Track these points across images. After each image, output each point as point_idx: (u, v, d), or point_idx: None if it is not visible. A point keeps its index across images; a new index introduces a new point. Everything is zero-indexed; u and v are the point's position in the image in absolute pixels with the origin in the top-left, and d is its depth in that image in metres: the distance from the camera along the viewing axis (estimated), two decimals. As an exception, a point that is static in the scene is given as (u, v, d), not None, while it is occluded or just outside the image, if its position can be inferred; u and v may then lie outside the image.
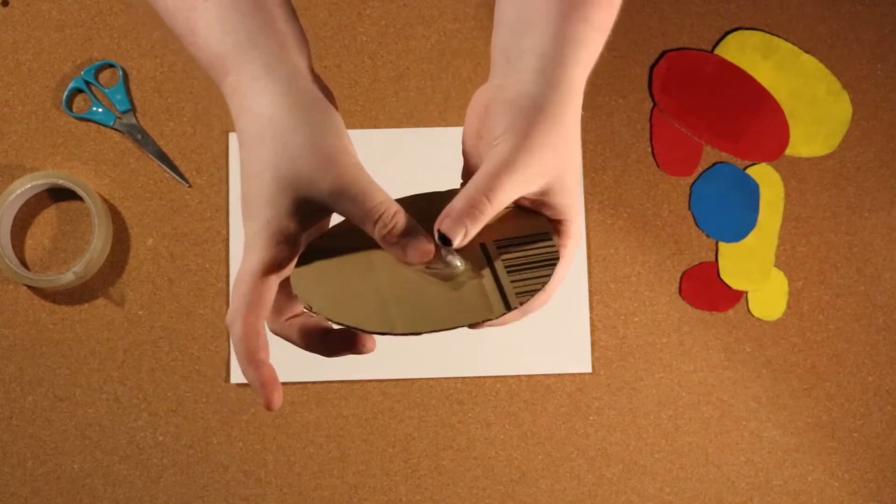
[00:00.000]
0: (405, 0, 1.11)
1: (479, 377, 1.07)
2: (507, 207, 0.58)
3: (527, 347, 1.06)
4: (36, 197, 1.08)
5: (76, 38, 1.09)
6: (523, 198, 0.57)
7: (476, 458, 1.06)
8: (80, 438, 1.05)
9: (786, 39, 1.11)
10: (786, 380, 1.08)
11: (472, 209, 0.54)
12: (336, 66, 1.10)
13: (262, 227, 0.54)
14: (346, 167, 0.54)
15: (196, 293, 1.07)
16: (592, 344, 1.07)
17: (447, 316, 0.53)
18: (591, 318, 1.07)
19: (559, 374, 1.07)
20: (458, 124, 1.09)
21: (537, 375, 1.07)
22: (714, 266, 1.09)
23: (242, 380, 1.05)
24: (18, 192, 1.04)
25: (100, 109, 1.08)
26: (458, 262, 0.55)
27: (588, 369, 1.07)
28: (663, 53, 1.11)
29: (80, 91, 1.09)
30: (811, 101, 1.11)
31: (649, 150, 1.10)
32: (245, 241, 0.56)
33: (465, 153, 0.60)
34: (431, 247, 0.54)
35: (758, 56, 1.11)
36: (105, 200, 1.07)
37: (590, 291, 1.08)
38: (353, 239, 0.56)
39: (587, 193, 1.09)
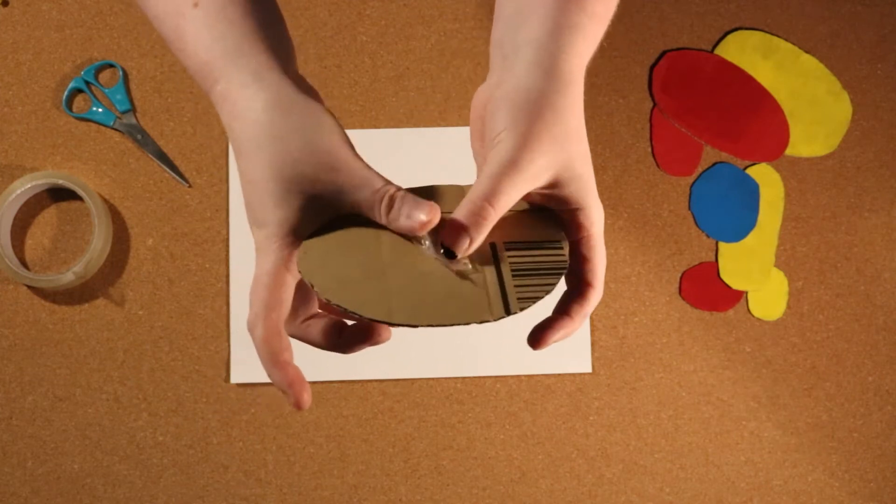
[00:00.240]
0: (405, 0, 1.11)
1: (479, 377, 1.06)
2: (517, 206, 0.57)
3: (527, 347, 1.06)
4: (36, 197, 1.08)
5: (76, 38, 1.09)
6: (534, 192, 0.56)
7: (476, 458, 1.06)
8: (80, 438, 1.05)
9: (786, 39, 1.11)
10: (786, 380, 1.08)
11: (475, 217, 0.53)
12: (336, 66, 1.10)
13: (274, 229, 0.55)
14: (346, 163, 0.54)
15: (196, 293, 1.07)
16: (592, 344, 1.07)
17: (446, 313, 0.53)
18: (591, 318, 1.07)
19: (559, 374, 1.07)
20: (458, 124, 1.09)
21: (537, 375, 1.07)
22: (714, 266, 1.09)
23: (242, 380, 1.05)
24: (18, 192, 1.04)
25: (100, 109, 1.08)
26: (465, 259, 0.55)
27: (588, 369, 1.07)
28: (663, 53, 1.11)
29: (80, 91, 1.09)
30: (811, 101, 1.11)
31: (649, 150, 1.10)
32: (256, 246, 0.56)
33: (474, 157, 0.60)
34: (437, 209, 0.54)
35: (758, 56, 1.11)
36: (105, 200, 1.07)
37: (590, 291, 1.07)
38: (364, 226, 0.56)
39: (587, 193, 1.09)
